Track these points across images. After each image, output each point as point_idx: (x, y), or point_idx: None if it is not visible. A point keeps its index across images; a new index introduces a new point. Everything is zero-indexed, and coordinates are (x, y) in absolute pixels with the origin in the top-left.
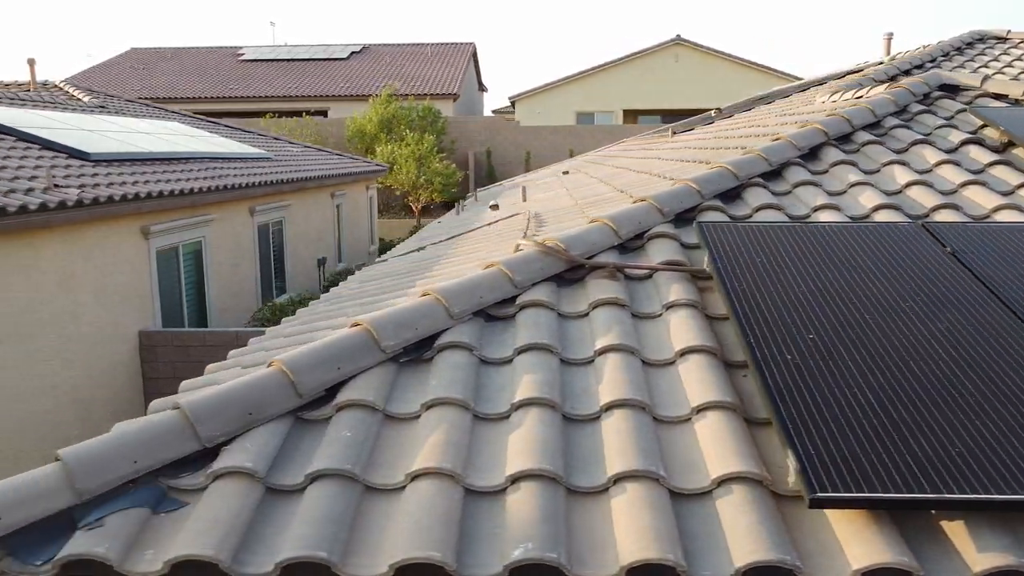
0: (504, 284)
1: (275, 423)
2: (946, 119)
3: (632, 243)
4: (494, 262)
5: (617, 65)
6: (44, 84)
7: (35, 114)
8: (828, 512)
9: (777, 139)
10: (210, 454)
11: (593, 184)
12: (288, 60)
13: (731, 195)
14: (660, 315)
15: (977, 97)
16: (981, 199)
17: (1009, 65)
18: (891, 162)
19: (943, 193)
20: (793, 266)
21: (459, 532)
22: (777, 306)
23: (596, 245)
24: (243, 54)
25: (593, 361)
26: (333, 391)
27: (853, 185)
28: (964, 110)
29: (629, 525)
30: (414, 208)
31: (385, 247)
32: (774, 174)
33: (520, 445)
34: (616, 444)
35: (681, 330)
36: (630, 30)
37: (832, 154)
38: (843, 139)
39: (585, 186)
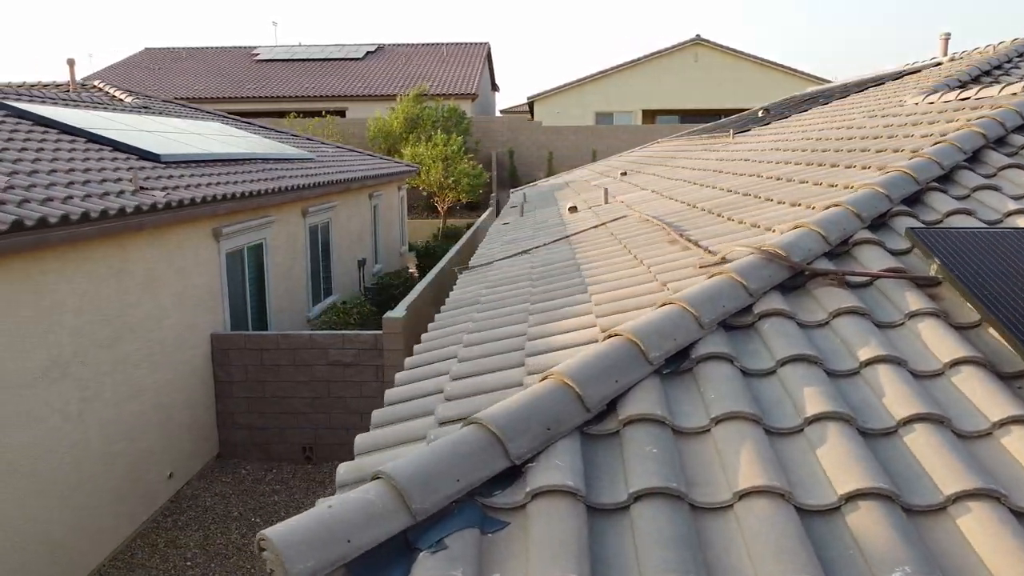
0: (741, 293)
1: (569, 439)
2: None
3: (837, 249)
4: (724, 270)
5: (636, 65)
6: (83, 84)
7: (94, 115)
8: None
9: (940, 143)
10: (515, 472)
11: (682, 186)
12: (303, 60)
13: (911, 200)
14: (903, 323)
15: None
16: None
17: None
18: None
19: None
20: None
21: (815, 553)
22: None
23: (812, 252)
24: (258, 54)
25: (859, 372)
26: (611, 405)
27: None
28: None
29: (993, 548)
30: (440, 209)
31: (412, 249)
32: (945, 178)
33: (838, 461)
34: (937, 460)
35: (937, 339)
36: (648, 30)
37: (994, 157)
38: (998, 142)
39: (681, 189)
